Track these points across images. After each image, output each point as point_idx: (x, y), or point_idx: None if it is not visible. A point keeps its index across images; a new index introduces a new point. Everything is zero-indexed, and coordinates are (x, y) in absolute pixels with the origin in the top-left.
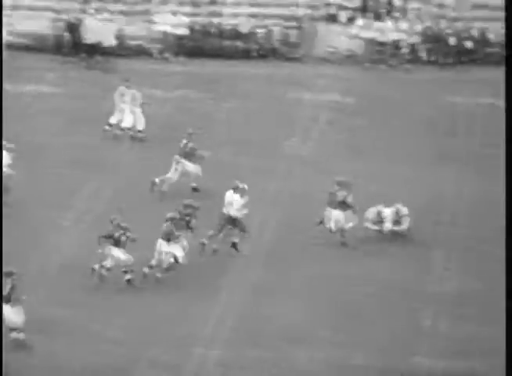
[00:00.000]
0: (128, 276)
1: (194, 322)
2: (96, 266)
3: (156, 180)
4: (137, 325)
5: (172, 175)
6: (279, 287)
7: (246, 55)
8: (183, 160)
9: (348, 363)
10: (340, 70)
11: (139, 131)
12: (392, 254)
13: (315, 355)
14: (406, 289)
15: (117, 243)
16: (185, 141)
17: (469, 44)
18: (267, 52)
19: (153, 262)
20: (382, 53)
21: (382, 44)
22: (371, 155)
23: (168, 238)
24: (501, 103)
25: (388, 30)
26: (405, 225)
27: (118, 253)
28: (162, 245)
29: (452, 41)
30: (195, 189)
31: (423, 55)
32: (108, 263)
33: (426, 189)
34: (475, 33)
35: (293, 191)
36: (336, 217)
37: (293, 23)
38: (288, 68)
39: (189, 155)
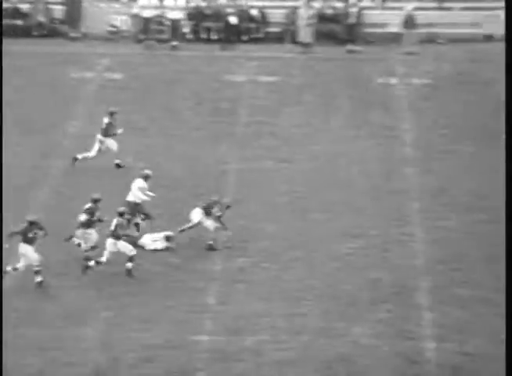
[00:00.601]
0: (39, 278)
1: None
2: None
3: (79, 156)
4: None
5: (94, 153)
6: (72, 269)
7: (26, 33)
8: (106, 139)
9: (137, 342)
10: (120, 49)
11: None
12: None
13: (97, 334)
14: (191, 269)
15: (28, 240)
16: (106, 120)
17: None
18: (47, 31)
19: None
20: (163, 32)
21: (162, 23)
22: (152, 133)
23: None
24: (275, 79)
25: (168, 9)
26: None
27: (28, 250)
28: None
29: (232, 20)
30: (118, 166)
31: (203, 33)
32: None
33: (201, 168)
34: (255, 13)
35: (78, 169)
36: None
37: (73, 2)
38: (69, 47)
39: (110, 133)
